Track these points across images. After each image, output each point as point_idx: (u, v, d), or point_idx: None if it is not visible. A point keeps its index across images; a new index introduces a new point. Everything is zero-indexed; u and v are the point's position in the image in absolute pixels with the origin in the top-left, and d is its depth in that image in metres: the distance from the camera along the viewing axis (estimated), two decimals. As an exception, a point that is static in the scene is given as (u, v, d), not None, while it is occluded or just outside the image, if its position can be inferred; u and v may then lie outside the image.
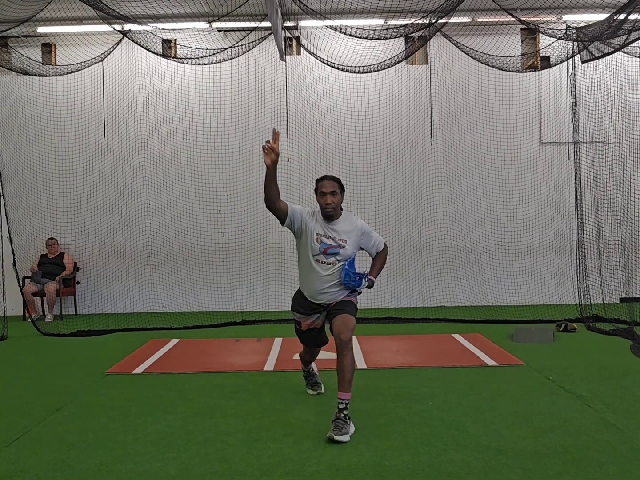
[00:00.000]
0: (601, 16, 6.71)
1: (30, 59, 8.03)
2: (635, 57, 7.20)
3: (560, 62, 7.64)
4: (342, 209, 3.75)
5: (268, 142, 3.39)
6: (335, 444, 3.28)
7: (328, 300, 3.71)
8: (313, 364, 4.38)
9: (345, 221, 3.71)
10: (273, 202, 3.53)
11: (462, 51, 7.77)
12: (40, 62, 8.48)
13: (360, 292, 3.82)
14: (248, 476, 2.92)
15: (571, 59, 7.71)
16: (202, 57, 7.80)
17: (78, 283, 8.95)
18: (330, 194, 3.61)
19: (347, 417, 3.42)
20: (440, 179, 8.89)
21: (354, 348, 3.69)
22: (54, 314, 8.44)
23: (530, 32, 8.70)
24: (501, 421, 3.65)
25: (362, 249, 3.83)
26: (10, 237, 7.33)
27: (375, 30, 7.24)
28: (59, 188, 8.93)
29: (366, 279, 3.68)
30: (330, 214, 3.63)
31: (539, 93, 8.91)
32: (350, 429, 3.40)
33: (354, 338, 3.98)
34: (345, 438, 3.31)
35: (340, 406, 3.44)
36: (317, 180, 3.72)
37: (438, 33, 7.76)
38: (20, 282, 7.81)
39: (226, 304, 8.79)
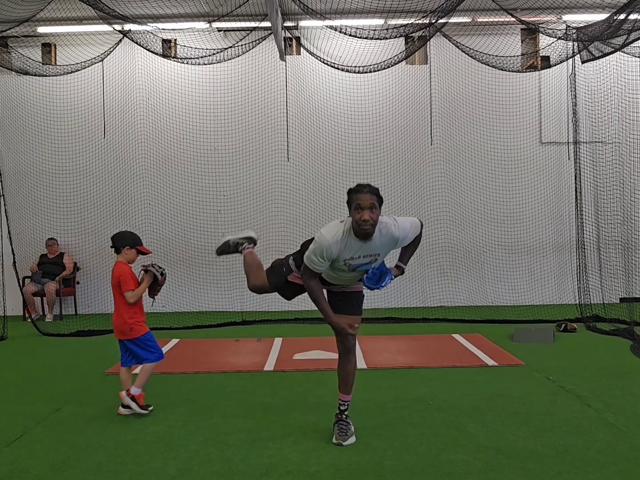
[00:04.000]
0: (601, 16, 6.70)
1: (30, 59, 8.02)
2: (635, 57, 7.20)
3: (560, 62, 7.64)
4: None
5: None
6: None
7: (342, 287, 3.42)
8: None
9: (380, 235, 3.14)
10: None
11: (462, 51, 7.77)
12: (40, 62, 8.48)
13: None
14: (248, 476, 2.92)
15: (571, 59, 7.71)
16: (202, 57, 7.80)
17: (78, 283, 8.95)
18: (368, 209, 3.00)
19: (348, 417, 3.43)
20: (440, 179, 8.89)
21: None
22: (54, 314, 8.44)
23: (530, 32, 8.70)
24: (501, 421, 3.65)
25: None
26: (10, 237, 7.34)
27: (375, 30, 7.24)
28: (59, 188, 8.93)
29: (390, 277, 3.28)
30: (367, 232, 3.04)
31: (539, 93, 8.91)
32: (352, 428, 3.41)
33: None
34: (351, 441, 3.32)
35: (342, 408, 3.44)
36: (351, 191, 3.10)
37: (438, 33, 7.76)
38: (20, 282, 7.81)
39: (226, 304, 8.79)
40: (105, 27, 7.90)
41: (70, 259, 8.74)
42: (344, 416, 3.40)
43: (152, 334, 4.05)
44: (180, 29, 8.27)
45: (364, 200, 3.01)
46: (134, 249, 3.97)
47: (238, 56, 7.93)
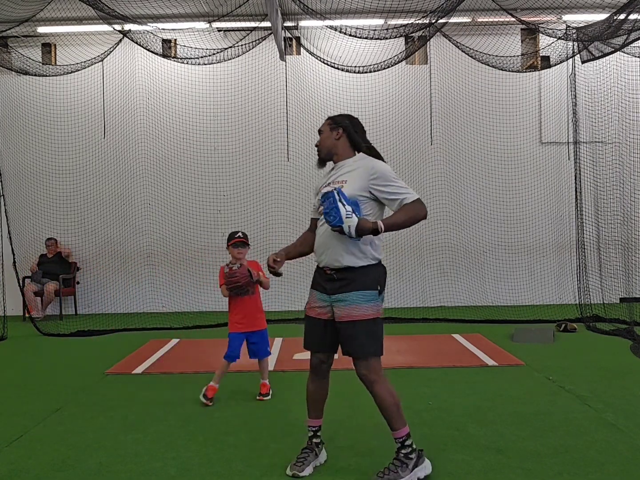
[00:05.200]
0: (601, 16, 6.71)
1: (30, 59, 8.03)
2: (635, 57, 7.20)
3: (560, 62, 7.64)
4: (357, 153, 3.03)
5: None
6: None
7: (328, 263, 2.88)
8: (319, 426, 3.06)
9: (352, 162, 2.96)
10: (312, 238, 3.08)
11: (462, 51, 7.78)
12: (40, 62, 8.49)
13: (356, 238, 2.71)
14: (248, 476, 2.92)
15: (571, 59, 7.72)
16: (202, 57, 7.80)
17: (78, 283, 8.95)
18: (318, 134, 3.10)
19: (407, 457, 2.81)
20: (440, 179, 8.89)
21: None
22: (54, 313, 8.44)
23: (530, 32, 8.70)
24: (501, 421, 3.65)
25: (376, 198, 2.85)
26: (10, 237, 7.33)
27: (375, 30, 7.24)
28: (59, 188, 8.93)
29: (356, 214, 2.67)
30: (320, 157, 3.07)
31: (539, 93, 8.91)
32: (415, 470, 2.83)
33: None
34: None
35: (397, 446, 2.85)
36: None
37: (438, 33, 7.76)
38: (20, 282, 7.81)
39: (226, 304, 8.76)
40: (105, 27, 7.90)
41: (68, 251, 8.80)
42: (401, 455, 2.82)
43: (235, 336, 4.37)
44: (180, 29, 8.27)
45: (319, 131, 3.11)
46: (229, 248, 4.25)
47: (238, 56, 7.93)
